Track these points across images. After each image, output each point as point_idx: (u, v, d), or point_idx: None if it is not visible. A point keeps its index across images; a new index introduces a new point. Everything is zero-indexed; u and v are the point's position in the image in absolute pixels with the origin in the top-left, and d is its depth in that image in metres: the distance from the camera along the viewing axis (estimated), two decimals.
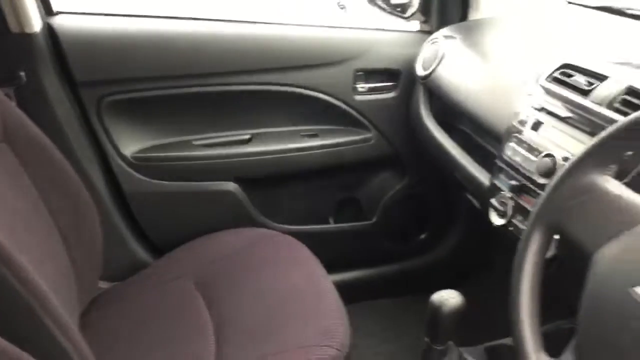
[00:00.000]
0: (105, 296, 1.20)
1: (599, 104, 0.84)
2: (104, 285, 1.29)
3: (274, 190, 1.52)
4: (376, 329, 1.57)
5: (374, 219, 1.61)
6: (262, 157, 1.43)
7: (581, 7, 1.41)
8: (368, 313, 1.61)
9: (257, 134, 1.45)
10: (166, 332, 1.08)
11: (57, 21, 1.26)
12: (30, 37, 1.20)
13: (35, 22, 1.20)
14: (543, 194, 0.69)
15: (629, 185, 0.77)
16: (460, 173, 1.20)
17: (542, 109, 0.94)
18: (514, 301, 0.68)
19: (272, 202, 1.52)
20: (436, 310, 0.87)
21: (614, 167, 0.79)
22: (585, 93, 0.88)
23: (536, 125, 0.94)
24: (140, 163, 1.37)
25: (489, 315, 1.05)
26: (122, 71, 1.31)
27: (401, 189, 1.60)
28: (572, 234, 0.65)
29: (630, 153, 0.78)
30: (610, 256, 0.59)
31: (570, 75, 0.94)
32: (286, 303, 1.09)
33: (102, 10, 1.35)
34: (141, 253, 1.42)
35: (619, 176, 0.79)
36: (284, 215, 1.53)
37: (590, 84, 0.89)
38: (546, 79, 0.97)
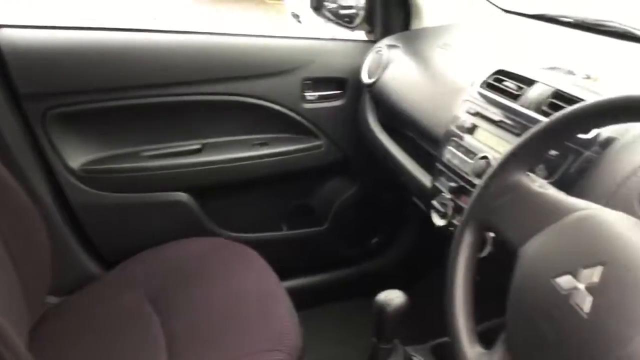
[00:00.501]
0: (55, 311, 1.19)
1: (528, 107, 0.89)
2: (53, 299, 1.28)
3: (226, 199, 1.53)
4: (330, 332, 1.59)
5: (327, 225, 1.64)
6: (213, 166, 1.43)
7: (517, 16, 1.47)
8: (323, 317, 1.63)
9: (208, 143, 1.46)
10: (117, 346, 1.07)
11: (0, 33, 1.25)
12: None
13: None
14: (473, 194, 0.72)
15: (555, 183, 0.81)
16: (406, 176, 1.24)
17: (477, 114, 0.99)
18: (448, 296, 0.71)
19: (224, 211, 1.53)
20: (381, 310, 0.90)
21: (541, 167, 0.84)
22: (515, 97, 0.93)
23: (472, 129, 0.99)
24: (89, 175, 1.35)
25: (439, 314, 1.09)
26: (67, 83, 1.30)
27: (352, 194, 1.64)
28: (501, 231, 0.69)
29: (555, 153, 0.83)
30: (534, 250, 0.63)
31: (502, 81, 0.99)
32: (237, 311, 1.10)
33: (46, 23, 1.33)
34: (91, 266, 1.41)
35: (548, 175, 0.84)
36: (237, 224, 1.54)
37: (520, 88, 0.94)
38: (480, 85, 1.01)
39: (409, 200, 1.37)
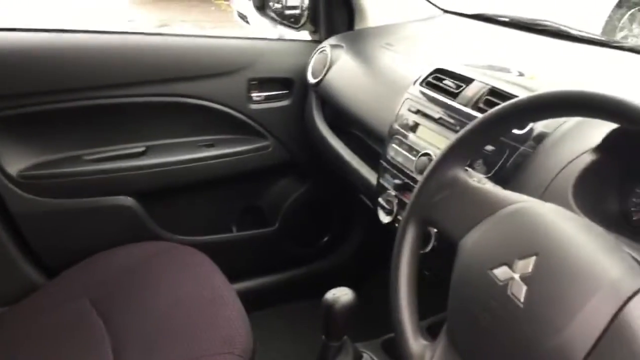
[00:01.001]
0: None
1: (466, 104, 0.92)
2: None
3: (172, 202, 1.51)
4: (282, 332, 1.60)
5: (277, 225, 1.64)
6: (158, 169, 1.41)
7: (457, 16, 1.51)
8: (275, 318, 1.63)
9: (152, 146, 1.43)
10: (62, 354, 1.04)
11: None
12: None
13: None
14: (414, 190, 0.74)
15: (493, 178, 0.84)
16: (352, 175, 1.25)
17: (418, 112, 1.01)
18: (393, 291, 0.72)
19: (171, 214, 1.51)
20: (329, 307, 0.90)
21: (480, 162, 0.87)
22: (454, 95, 0.96)
23: (414, 127, 1.01)
24: (28, 181, 1.31)
25: (389, 310, 1.11)
26: (6, 87, 1.25)
27: (301, 194, 1.64)
28: (441, 225, 0.71)
29: (492, 148, 0.86)
30: (472, 243, 0.65)
31: (442, 80, 1.01)
32: (186, 314, 1.09)
33: None
34: (34, 275, 1.36)
35: (487, 171, 0.87)
36: (185, 227, 1.52)
37: (459, 86, 0.96)
38: (421, 84, 1.04)
39: (357, 199, 1.39)
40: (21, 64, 1.26)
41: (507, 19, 1.41)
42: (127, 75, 1.35)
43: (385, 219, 1.03)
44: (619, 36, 4.67)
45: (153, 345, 1.03)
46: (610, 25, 4.62)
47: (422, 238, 0.75)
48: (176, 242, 1.39)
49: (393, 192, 1.02)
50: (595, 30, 4.54)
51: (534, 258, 0.58)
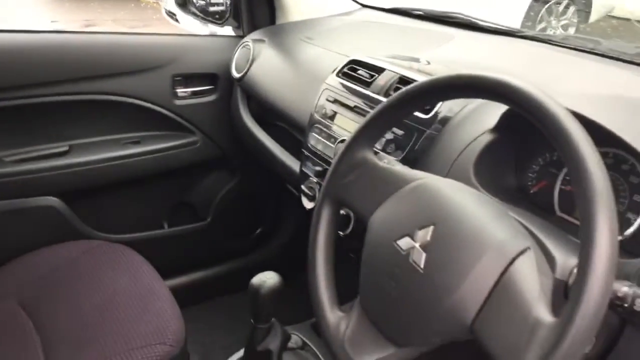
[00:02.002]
0: None
1: (378, 93, 0.97)
2: None
3: (100, 200, 1.50)
4: (218, 324, 1.61)
5: (208, 220, 1.65)
6: (82, 168, 1.39)
7: (374, 10, 1.58)
8: (210, 311, 1.65)
9: (76, 145, 1.42)
10: None
11: None
12: None
13: None
14: (328, 173, 0.78)
15: (404, 160, 0.90)
16: (278, 165, 1.29)
17: (335, 101, 1.06)
18: (310, 268, 0.77)
19: (100, 213, 1.49)
20: (256, 291, 0.94)
21: (392, 146, 0.93)
22: (367, 84, 1.01)
23: (332, 116, 1.06)
24: None
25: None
26: None
27: (232, 188, 1.66)
28: (352, 205, 0.76)
29: (402, 132, 0.92)
30: (379, 218, 0.70)
31: (357, 70, 1.06)
32: (116, 309, 1.10)
33: None
34: None
35: (399, 153, 0.92)
36: (114, 225, 1.51)
37: (372, 76, 1.02)
38: (337, 75, 1.08)
39: (286, 190, 1.43)
40: None
41: (420, 12, 1.48)
42: (49, 74, 1.33)
43: (308, 204, 1.08)
44: (538, 28, 4.92)
45: (84, 342, 1.03)
46: (529, 18, 4.87)
47: (338, 218, 0.80)
48: (106, 240, 1.39)
49: (315, 179, 1.07)
50: (516, 22, 4.76)
51: (432, 228, 0.63)
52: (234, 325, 1.60)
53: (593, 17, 5.13)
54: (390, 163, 0.77)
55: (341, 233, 0.97)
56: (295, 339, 1.09)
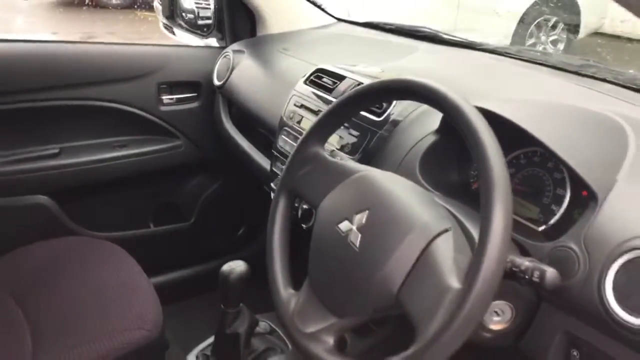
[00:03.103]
0: None
1: (337, 97, 1.07)
2: None
3: (89, 200, 1.59)
4: (200, 317, 1.68)
5: (192, 220, 1.74)
6: (72, 169, 1.49)
7: (349, 24, 1.68)
8: (192, 309, 1.72)
9: (66, 147, 1.51)
10: None
11: None
12: None
13: None
14: (284, 167, 0.88)
15: (359, 158, 0.99)
16: (254, 166, 1.39)
17: (302, 106, 1.16)
18: (268, 251, 0.86)
19: (88, 212, 1.58)
20: (225, 277, 1.03)
21: (349, 145, 1.02)
22: (330, 90, 1.11)
23: (299, 120, 1.15)
24: None
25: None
26: None
27: (215, 190, 1.75)
28: (304, 195, 0.85)
29: (357, 133, 1.01)
30: (326, 205, 0.80)
31: (321, 78, 1.16)
32: (100, 298, 1.18)
33: None
34: None
35: (355, 152, 1.02)
36: (102, 224, 1.60)
37: (334, 83, 1.12)
38: (304, 82, 1.18)
39: (262, 190, 1.52)
40: None
41: (392, 27, 1.59)
42: (42, 81, 1.43)
43: None
44: (527, 43, 5.05)
45: (69, 326, 1.11)
46: (518, 33, 5.00)
47: (293, 208, 0.89)
48: (93, 237, 1.47)
49: None
50: (506, 38, 4.88)
51: (367, 212, 0.73)
52: (213, 319, 1.67)
53: (582, 34, 5.26)
54: (340, 158, 0.86)
55: (304, 226, 1.06)
56: (263, 325, 1.18)
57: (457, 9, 4.79)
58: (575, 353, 0.73)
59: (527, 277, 0.65)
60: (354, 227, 0.73)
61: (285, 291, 0.82)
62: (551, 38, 5.10)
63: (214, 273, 1.82)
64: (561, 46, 5.15)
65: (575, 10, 5.15)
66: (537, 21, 5.02)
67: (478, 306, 0.60)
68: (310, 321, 0.76)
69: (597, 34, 5.41)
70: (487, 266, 0.59)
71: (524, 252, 0.75)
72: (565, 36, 5.17)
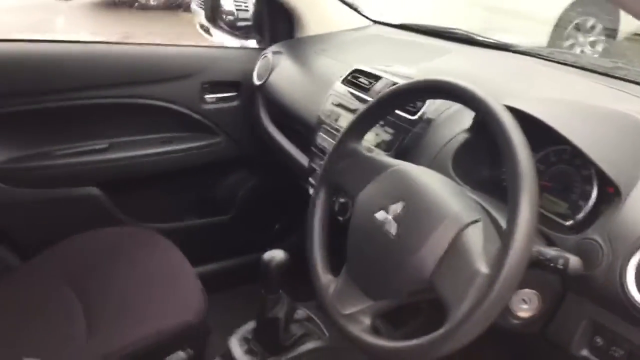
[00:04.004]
0: None
1: (374, 97, 1.13)
2: None
3: (136, 192, 1.68)
4: (239, 307, 1.75)
5: (231, 214, 1.82)
6: (121, 162, 1.58)
7: (384, 26, 1.74)
8: (232, 297, 1.79)
9: (115, 142, 1.60)
10: (40, 320, 1.19)
11: None
12: None
13: None
14: (324, 161, 0.94)
15: (394, 153, 1.05)
16: (291, 162, 1.45)
17: (339, 104, 1.22)
18: (309, 239, 0.92)
19: (135, 203, 1.68)
20: (266, 265, 1.10)
21: (387, 140, 1.08)
22: (366, 90, 1.17)
23: (336, 117, 1.21)
24: (5, 173, 1.47)
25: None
26: None
27: (252, 186, 1.83)
28: (343, 187, 0.91)
29: (393, 131, 1.07)
30: (364, 196, 0.86)
31: (358, 78, 1.22)
32: (146, 284, 1.26)
33: None
34: (9, 257, 1.51)
35: (391, 148, 1.07)
36: (147, 214, 1.68)
37: (370, 83, 1.17)
38: (342, 82, 1.24)
39: (299, 187, 1.59)
40: (1, 70, 1.43)
41: (426, 28, 1.64)
42: (93, 79, 1.53)
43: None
44: (566, 44, 5.00)
45: (119, 309, 1.20)
46: (556, 34, 4.95)
47: (332, 200, 0.96)
48: (139, 227, 1.56)
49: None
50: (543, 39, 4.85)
51: (402, 202, 0.78)
52: (251, 310, 1.75)
53: (622, 36, 5.18)
54: (378, 154, 0.92)
55: (340, 218, 1.12)
56: (301, 313, 1.25)
57: (490, 11, 4.77)
58: (598, 339, 0.77)
59: (552, 264, 0.70)
60: (390, 217, 0.78)
61: (324, 276, 0.89)
62: (590, 39, 5.04)
63: (252, 265, 1.90)
64: (600, 48, 5.08)
65: (615, 12, 5.07)
66: (575, 23, 4.97)
67: (505, 290, 0.65)
68: (348, 303, 0.82)
69: (638, 34, 5.31)
70: (514, 253, 0.65)
71: (552, 243, 0.80)
72: (604, 38, 5.10)
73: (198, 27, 5.83)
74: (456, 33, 1.55)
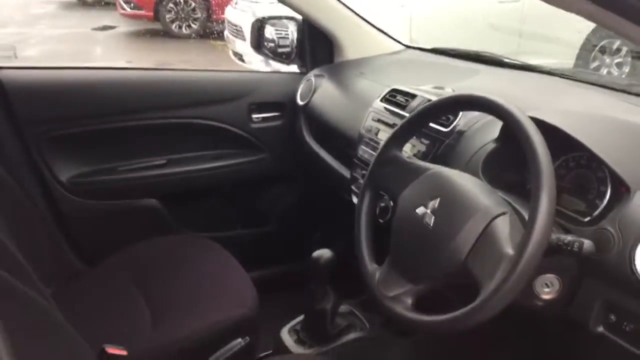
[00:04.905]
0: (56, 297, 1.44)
1: (409, 113, 1.27)
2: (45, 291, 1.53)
3: (191, 203, 1.84)
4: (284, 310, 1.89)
5: (277, 223, 1.97)
6: (177, 177, 1.75)
7: (417, 50, 1.88)
8: (277, 302, 1.92)
9: (172, 159, 1.77)
10: (111, 315, 1.34)
11: (1, 74, 1.54)
12: None
13: None
14: (369, 167, 1.08)
15: (429, 161, 1.18)
16: (333, 175, 1.59)
17: (379, 120, 1.36)
18: (356, 235, 1.06)
19: (190, 214, 1.84)
20: (316, 261, 1.24)
21: (421, 150, 1.22)
22: (403, 107, 1.31)
23: (376, 132, 1.35)
24: (74, 186, 1.64)
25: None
26: (57, 112, 1.60)
27: (296, 197, 1.98)
28: (387, 189, 1.05)
29: (427, 142, 1.21)
30: (405, 196, 0.99)
31: (395, 96, 1.36)
32: (204, 283, 1.40)
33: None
34: (77, 262, 1.67)
35: (426, 156, 1.21)
36: (201, 224, 1.84)
37: (407, 100, 1.31)
38: (380, 100, 1.39)
39: (339, 195, 1.72)
40: (70, 94, 1.62)
41: (456, 52, 1.78)
42: (153, 102, 1.70)
43: (356, 200, 1.37)
44: (592, 66, 5.09)
45: (179, 304, 1.34)
46: (582, 59, 5.05)
47: (376, 202, 1.09)
48: (193, 235, 1.72)
49: (362, 181, 1.36)
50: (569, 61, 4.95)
51: (438, 199, 0.92)
52: (297, 310, 1.87)
53: None
54: (413, 160, 1.06)
55: (381, 220, 1.25)
56: (345, 308, 1.38)
57: (522, 37, 4.91)
58: (612, 317, 0.88)
59: (569, 248, 0.82)
60: (429, 211, 0.92)
61: (371, 266, 1.02)
62: (616, 61, 5.12)
63: (296, 271, 2.03)
64: (626, 69, 5.15)
65: None
66: (600, 45, 5.06)
67: (528, 268, 0.77)
68: (391, 287, 0.95)
69: None
70: (535, 237, 0.77)
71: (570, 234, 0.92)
72: (630, 59, 5.17)
73: (231, 54, 6.07)
74: (485, 55, 1.69)
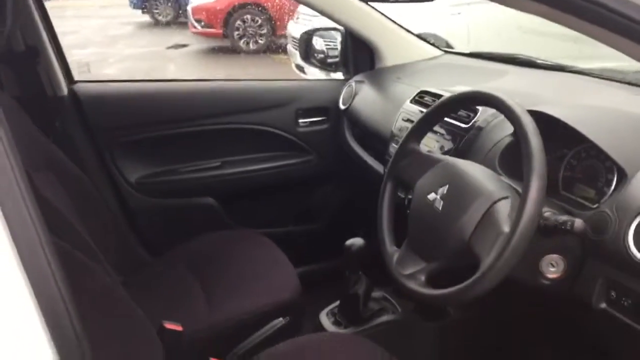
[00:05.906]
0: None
1: None
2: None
3: (243, 202, 2.01)
4: (329, 296, 2.00)
5: (322, 221, 2.10)
6: (231, 177, 1.92)
7: (455, 55, 1.97)
8: (324, 291, 2.04)
9: (226, 161, 1.95)
10: (173, 298, 1.50)
11: (77, 87, 1.77)
12: (61, 98, 1.70)
13: (63, 88, 1.71)
14: (390, 160, 1.19)
15: (449, 153, 1.28)
16: (371, 173, 1.71)
17: (408, 120, 1.47)
18: (379, 220, 1.17)
19: (242, 211, 2.00)
20: (349, 249, 1.36)
21: (442, 145, 1.31)
22: (429, 107, 1.40)
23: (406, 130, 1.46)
24: (142, 186, 1.85)
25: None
26: (126, 121, 1.81)
27: (340, 197, 2.10)
28: (405, 179, 1.16)
29: (449, 137, 1.30)
30: (420, 184, 1.10)
31: (424, 97, 1.47)
32: (253, 272, 1.54)
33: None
34: (144, 253, 1.87)
35: (447, 150, 1.30)
36: (253, 221, 2.00)
37: (433, 100, 1.42)
38: (410, 101, 1.50)
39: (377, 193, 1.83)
40: (138, 105, 1.83)
41: (491, 55, 1.86)
42: (212, 110, 1.89)
43: None
44: None
45: (232, 289, 1.48)
46: None
47: (397, 191, 1.20)
48: (245, 231, 1.87)
49: None
50: None
51: (447, 185, 1.02)
52: (334, 299, 1.99)
53: None
54: (433, 153, 1.16)
55: (409, 212, 1.35)
56: (379, 293, 1.48)
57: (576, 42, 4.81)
58: (612, 293, 0.95)
59: (563, 227, 0.90)
60: (438, 196, 1.02)
61: (390, 248, 1.13)
62: None
63: (335, 269, 2.15)
64: None
65: None
66: None
67: (520, 243, 0.86)
68: (407, 266, 1.06)
69: None
70: (526, 215, 0.86)
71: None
72: None
73: (293, 66, 6.27)
74: (519, 57, 1.76)
